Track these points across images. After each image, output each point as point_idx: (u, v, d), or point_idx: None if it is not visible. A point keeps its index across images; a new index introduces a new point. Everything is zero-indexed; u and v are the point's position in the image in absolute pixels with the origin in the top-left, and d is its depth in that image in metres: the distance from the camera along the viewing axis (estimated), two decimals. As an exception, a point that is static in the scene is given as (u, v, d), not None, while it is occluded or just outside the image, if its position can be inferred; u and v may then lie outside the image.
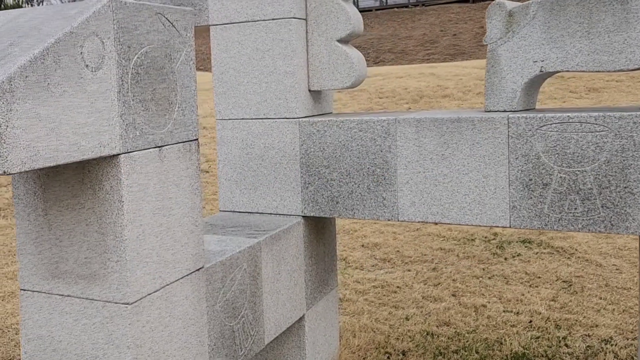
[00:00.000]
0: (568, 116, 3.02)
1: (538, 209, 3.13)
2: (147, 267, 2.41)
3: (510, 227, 3.20)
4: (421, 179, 3.34)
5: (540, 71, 3.23)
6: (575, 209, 3.06)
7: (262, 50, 3.63)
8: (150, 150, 2.41)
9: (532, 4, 3.22)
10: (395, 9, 51.59)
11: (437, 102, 14.10)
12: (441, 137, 3.28)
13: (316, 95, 3.80)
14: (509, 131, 3.14)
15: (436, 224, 2.95)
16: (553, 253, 6.10)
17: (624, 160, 2.94)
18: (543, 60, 3.21)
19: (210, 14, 3.74)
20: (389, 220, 3.45)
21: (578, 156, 3.02)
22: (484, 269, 5.70)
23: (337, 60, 3.62)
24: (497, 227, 3.26)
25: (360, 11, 51.35)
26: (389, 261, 6.07)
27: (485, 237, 6.53)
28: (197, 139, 2.68)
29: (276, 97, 3.63)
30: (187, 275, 2.64)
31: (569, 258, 5.97)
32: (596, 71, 3.10)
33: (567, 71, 3.17)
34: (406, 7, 52.11)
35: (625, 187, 2.95)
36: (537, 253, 6.09)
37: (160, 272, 2.48)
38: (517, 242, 6.39)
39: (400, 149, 3.37)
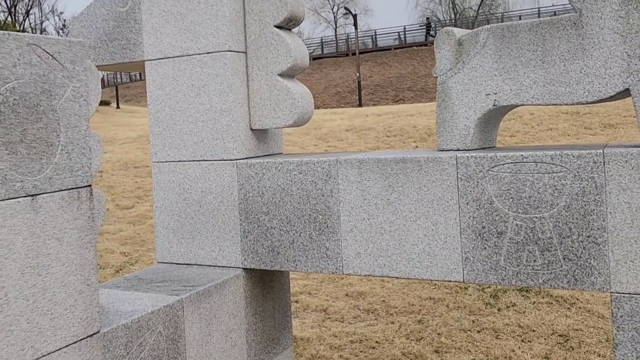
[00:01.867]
0: (522, 155, 2.69)
1: (493, 261, 2.78)
2: (13, 337, 2.11)
3: (464, 281, 2.85)
4: (366, 226, 3.02)
5: (494, 105, 2.91)
6: (535, 261, 2.70)
7: (197, 87, 3.38)
8: (19, 199, 2.14)
9: (482, 31, 2.93)
10: (415, 47, 51.63)
11: (447, 141, 13.75)
12: (386, 180, 2.96)
13: (261, 134, 3.52)
14: (457, 172, 2.82)
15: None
16: (552, 303, 5.67)
17: (585, 205, 2.59)
18: (496, 93, 2.90)
19: (145, 48, 3.50)
20: (333, 273, 3.13)
21: (535, 200, 2.68)
22: (473, 321, 5.30)
23: (279, 96, 3.35)
24: (450, 281, 2.92)
25: (379, 50, 51.49)
26: (373, 312, 5.70)
27: (480, 286, 6.13)
28: (89, 185, 2.40)
29: (213, 137, 3.36)
30: (74, 342, 2.34)
31: (568, 309, 5.54)
32: (552, 104, 2.78)
33: (523, 105, 2.85)
34: (425, 45, 52.18)
35: (588, 236, 2.60)
36: (534, 303, 5.67)
37: (33, 342, 2.18)
38: (513, 290, 5.98)
39: (343, 193, 3.06)
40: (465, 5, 73.37)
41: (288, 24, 3.36)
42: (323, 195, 3.10)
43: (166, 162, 3.51)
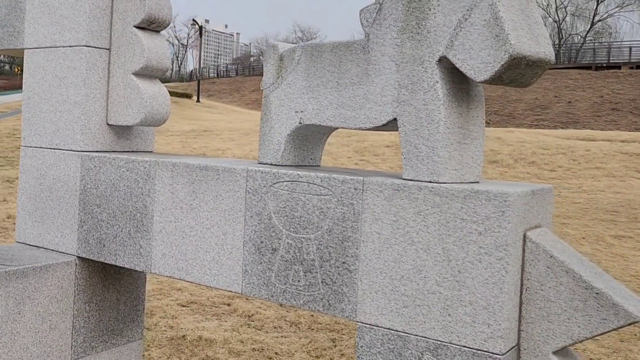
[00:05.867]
0: (298, 174, 2.77)
1: (266, 276, 2.86)
2: None
3: (242, 293, 2.94)
4: (172, 229, 3.16)
5: (300, 123, 2.99)
6: (299, 281, 2.77)
7: (59, 78, 3.60)
8: None
9: (298, 48, 3.01)
10: (509, 70, 50.64)
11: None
12: (191, 185, 3.09)
13: (122, 130, 3.71)
14: (247, 185, 2.91)
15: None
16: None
17: (344, 230, 2.64)
18: (302, 111, 2.98)
19: (26, 37, 3.77)
20: (143, 270, 3.27)
21: (304, 221, 2.74)
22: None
23: (131, 94, 3.53)
24: (232, 292, 3.00)
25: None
26: (296, 325, 5.78)
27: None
28: None
29: (66, 128, 3.58)
30: None
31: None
32: (342, 127, 2.83)
33: (322, 125, 2.92)
34: (521, 68, 51.12)
35: (343, 263, 2.64)
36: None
37: None
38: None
39: (158, 194, 3.20)
40: (572, 30, 71.56)
41: (150, 25, 3.54)
42: (142, 194, 3.26)
43: (31, 147, 3.75)
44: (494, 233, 2.31)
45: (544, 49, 2.38)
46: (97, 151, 3.58)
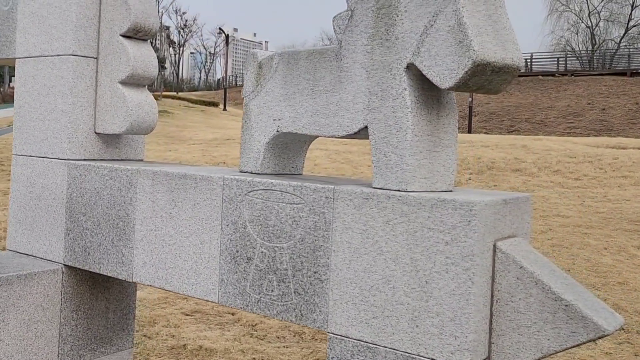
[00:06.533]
0: (271, 183, 2.77)
1: (241, 285, 2.86)
2: None
3: (218, 303, 2.95)
4: (153, 237, 3.18)
5: (277, 131, 2.99)
6: (272, 291, 2.77)
7: (48, 87, 3.66)
8: None
9: (276, 55, 3.02)
10: (540, 77, 50.10)
11: (503, 175, 13.45)
12: (171, 194, 3.11)
13: (110, 139, 3.75)
14: (223, 194, 2.93)
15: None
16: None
17: (315, 240, 2.63)
18: (280, 119, 2.98)
19: (17, 46, 3.83)
20: (125, 279, 3.30)
21: (277, 230, 2.74)
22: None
23: (117, 102, 3.57)
24: (208, 301, 3.01)
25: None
26: (300, 335, 5.77)
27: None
28: None
29: (54, 136, 3.63)
30: None
31: None
32: (317, 135, 2.83)
33: (298, 133, 2.92)
34: (553, 75, 50.54)
35: (315, 272, 2.64)
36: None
37: None
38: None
39: (139, 203, 3.23)
40: (606, 36, 70.58)
41: (136, 34, 3.58)
42: (124, 203, 3.29)
43: (21, 155, 3.81)
44: (460, 243, 2.29)
45: (511, 55, 2.36)
46: (84, 159, 3.62)
